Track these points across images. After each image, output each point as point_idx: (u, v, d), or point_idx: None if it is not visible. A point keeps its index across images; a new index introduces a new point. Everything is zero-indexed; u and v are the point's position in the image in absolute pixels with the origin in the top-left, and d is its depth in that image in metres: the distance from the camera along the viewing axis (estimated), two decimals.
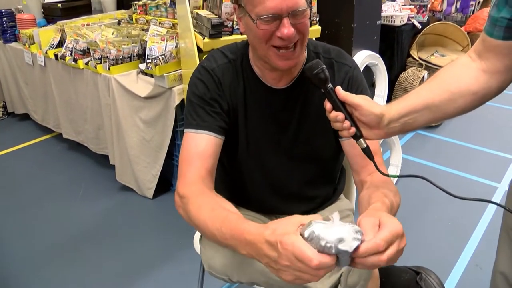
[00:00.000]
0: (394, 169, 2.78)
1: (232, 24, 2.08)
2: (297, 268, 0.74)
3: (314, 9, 2.28)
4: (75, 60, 2.84)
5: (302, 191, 1.29)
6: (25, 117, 3.96)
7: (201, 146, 1.12)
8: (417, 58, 3.83)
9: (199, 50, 2.12)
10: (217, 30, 2.01)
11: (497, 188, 2.77)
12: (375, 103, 0.96)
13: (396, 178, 2.65)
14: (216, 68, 1.19)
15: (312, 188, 1.30)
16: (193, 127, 1.15)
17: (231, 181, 1.31)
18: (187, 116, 1.18)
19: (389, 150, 2.84)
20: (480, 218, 2.46)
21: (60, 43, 3.18)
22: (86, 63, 2.77)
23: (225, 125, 1.17)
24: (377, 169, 1.00)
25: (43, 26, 3.65)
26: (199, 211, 0.99)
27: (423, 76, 3.63)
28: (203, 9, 2.23)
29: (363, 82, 1.23)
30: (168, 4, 3.00)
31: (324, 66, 0.97)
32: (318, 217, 0.77)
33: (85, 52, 2.83)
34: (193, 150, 1.12)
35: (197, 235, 1.46)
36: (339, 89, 0.96)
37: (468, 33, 4.25)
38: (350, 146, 1.18)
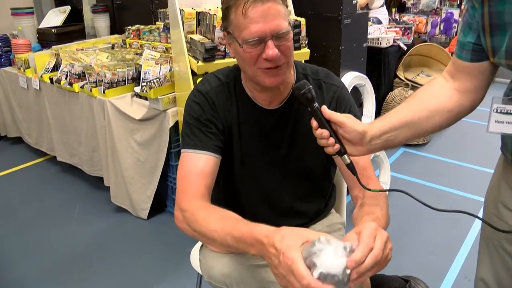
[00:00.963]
0: (383, 187, 2.85)
1: (225, 48, 2.16)
2: (290, 280, 0.83)
3: (303, 33, 2.37)
4: (70, 84, 2.90)
5: (295, 206, 1.35)
6: (18, 140, 3.98)
7: (200, 165, 1.18)
8: (403, 79, 3.95)
9: (193, 73, 2.19)
10: (210, 53, 2.09)
11: (482, 203, 2.83)
12: (358, 121, 1.02)
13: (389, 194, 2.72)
14: (210, 90, 1.26)
15: (304, 203, 1.36)
16: (191, 147, 1.21)
17: (225, 197, 1.36)
18: (184, 137, 1.24)
19: (378, 169, 2.92)
20: (468, 231, 2.53)
21: (55, 67, 3.24)
22: (82, 87, 2.83)
23: (221, 144, 1.23)
24: (360, 183, 1.06)
25: (38, 50, 3.71)
26: (206, 221, 1.05)
27: (410, 95, 3.73)
28: (196, 34, 2.31)
29: (351, 101, 1.30)
30: (161, 29, 3.08)
31: (310, 86, 1.04)
32: (325, 235, 0.85)
33: (81, 76, 2.89)
34: (192, 169, 1.18)
35: (196, 247, 1.50)
36: (324, 108, 1.03)
37: (452, 54, 4.39)
38: (341, 163, 1.24)
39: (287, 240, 0.86)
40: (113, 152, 2.72)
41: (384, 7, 4.64)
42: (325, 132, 1.02)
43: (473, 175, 3.25)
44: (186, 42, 2.21)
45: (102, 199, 2.97)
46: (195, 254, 1.49)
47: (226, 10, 1.15)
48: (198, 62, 2.12)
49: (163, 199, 2.81)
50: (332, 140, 1.02)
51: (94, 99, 2.74)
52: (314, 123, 1.03)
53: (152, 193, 2.67)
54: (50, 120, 3.32)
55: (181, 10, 2.26)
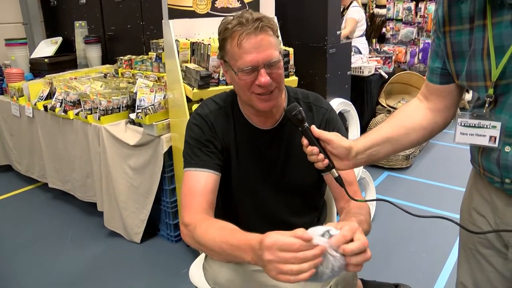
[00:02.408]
0: (369, 207, 2.97)
1: (218, 76, 2.28)
2: (280, 258, 0.88)
3: (291, 61, 2.51)
4: (65, 111, 2.97)
5: (289, 220, 1.44)
6: (7, 168, 4.00)
7: (202, 182, 1.27)
8: (385, 105, 4.12)
9: (188, 99, 2.30)
10: (205, 81, 2.21)
11: None
12: (344, 138, 1.13)
13: (374, 210, 2.86)
14: (209, 114, 1.37)
15: (298, 217, 1.45)
16: (193, 166, 1.30)
17: (224, 211, 1.44)
18: (186, 157, 1.34)
19: (364, 191, 3.03)
20: (455, 240, 2.64)
21: (49, 95, 3.32)
22: (76, 114, 2.91)
23: (220, 163, 1.33)
24: (347, 194, 1.16)
25: (30, 79, 3.79)
26: (207, 231, 1.13)
27: None
28: (190, 63, 2.43)
29: (339, 122, 1.43)
30: (153, 59, 3.20)
31: (301, 108, 1.14)
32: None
33: (75, 104, 2.97)
34: (195, 186, 1.27)
35: (196, 262, 1.57)
36: (313, 128, 1.13)
37: None
38: (331, 179, 1.35)
39: (271, 236, 0.92)
40: (107, 178, 2.78)
41: (364, 37, 4.86)
42: (315, 149, 1.11)
43: (453, 195, 3.39)
44: (181, 71, 2.33)
45: (95, 224, 3.01)
46: (194, 269, 1.55)
47: (222, 41, 1.28)
48: (193, 89, 2.23)
49: (156, 223, 2.86)
50: (321, 156, 1.11)
51: (89, 125, 2.81)
52: (304, 141, 1.13)
53: (146, 217, 2.72)
54: (43, 147, 3.38)
55: (176, 41, 2.38)
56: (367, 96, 4.07)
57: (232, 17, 1.25)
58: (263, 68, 1.21)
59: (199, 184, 1.28)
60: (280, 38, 1.32)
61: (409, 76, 4.42)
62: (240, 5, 2.60)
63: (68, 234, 2.94)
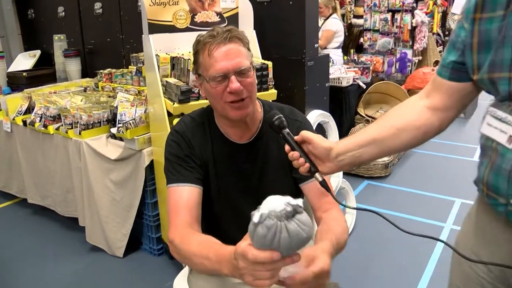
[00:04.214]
0: (349, 217, 3.02)
1: (198, 90, 2.30)
2: (247, 268, 0.89)
3: (270, 75, 2.55)
4: (45, 126, 2.96)
5: None
6: None
7: (185, 197, 1.30)
8: (364, 115, 4.20)
9: (169, 114, 2.32)
10: (186, 95, 2.23)
11: (443, 228, 3.06)
12: (325, 139, 1.12)
13: (351, 220, 2.90)
14: (187, 130, 1.40)
15: None
16: (175, 181, 1.33)
17: (207, 225, 1.46)
18: (167, 173, 1.36)
19: (344, 200, 3.08)
20: (431, 253, 2.71)
21: (28, 110, 3.30)
22: (57, 129, 2.90)
23: (201, 177, 1.36)
24: (333, 198, 1.16)
25: (7, 93, 3.76)
26: (189, 246, 1.15)
27: None
28: (171, 77, 2.45)
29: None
30: (133, 73, 3.22)
31: (281, 115, 1.18)
32: None
33: (56, 118, 2.96)
34: (179, 202, 1.29)
35: (179, 277, 1.58)
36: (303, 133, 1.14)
37: (408, 90, 4.73)
38: (308, 190, 1.39)
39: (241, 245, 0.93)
40: (89, 192, 2.77)
41: (340, 49, 4.94)
42: (295, 154, 1.12)
43: (433, 203, 3.47)
44: (162, 85, 2.35)
45: (77, 239, 2.98)
46: (178, 282, 1.56)
47: (195, 54, 1.34)
48: (174, 103, 2.25)
49: (139, 237, 2.85)
50: (302, 160, 1.11)
51: (70, 140, 2.80)
52: (286, 147, 1.15)
53: (128, 231, 2.72)
54: (22, 162, 3.34)
55: (156, 55, 2.40)
56: (346, 106, 4.14)
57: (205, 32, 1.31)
58: (234, 75, 1.26)
59: (182, 199, 1.30)
60: (256, 52, 1.36)
61: (387, 86, 4.52)
62: (220, 19, 2.64)
63: (49, 250, 2.91)
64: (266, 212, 0.84)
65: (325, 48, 4.70)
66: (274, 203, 0.85)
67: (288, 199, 0.86)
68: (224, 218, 1.45)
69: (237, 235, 1.44)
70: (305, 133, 1.12)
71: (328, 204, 1.33)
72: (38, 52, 4.44)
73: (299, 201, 0.86)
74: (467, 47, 1.00)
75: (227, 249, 1.02)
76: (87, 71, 4.14)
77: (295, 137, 1.14)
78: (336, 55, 4.77)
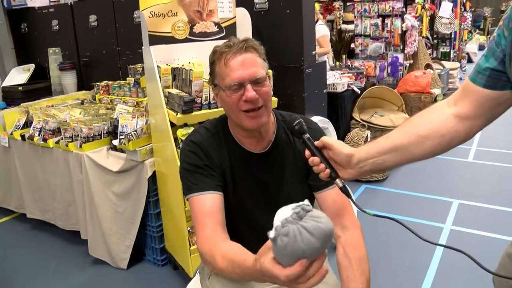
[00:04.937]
0: None
1: (201, 100, 2.32)
2: (287, 283, 0.87)
3: (271, 83, 2.57)
4: (44, 140, 2.95)
5: None
6: None
7: (208, 205, 1.30)
8: (359, 120, 4.24)
9: (172, 124, 2.33)
10: (189, 106, 2.24)
11: (442, 229, 3.10)
12: (346, 145, 1.11)
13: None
14: (203, 141, 1.41)
15: None
16: (196, 191, 1.33)
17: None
18: (187, 183, 1.36)
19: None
20: (431, 257, 2.74)
21: (26, 124, 3.28)
22: (57, 142, 2.89)
23: (221, 184, 1.37)
24: (354, 204, 1.16)
25: (3, 108, 3.74)
26: (216, 262, 1.15)
27: (367, 135, 4.02)
28: (172, 88, 2.47)
29: None
30: (131, 84, 3.22)
31: (301, 119, 1.19)
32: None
33: (55, 132, 2.95)
34: (202, 211, 1.30)
35: (195, 281, 1.59)
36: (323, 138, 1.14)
37: (401, 94, 4.78)
38: (323, 199, 1.40)
39: (259, 256, 0.93)
40: (91, 205, 2.76)
41: (325, 56, 5.01)
42: (316, 159, 1.12)
43: (432, 204, 3.51)
44: (164, 96, 2.36)
45: (79, 253, 2.97)
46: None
47: (212, 65, 1.36)
48: (177, 114, 2.27)
49: (142, 248, 2.85)
50: (322, 166, 1.10)
51: (70, 153, 2.80)
52: (307, 152, 1.15)
53: (132, 242, 2.72)
54: (20, 177, 3.32)
55: (157, 67, 2.41)
56: (342, 111, 4.18)
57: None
58: (249, 84, 1.28)
59: (205, 207, 1.30)
60: (267, 62, 1.38)
61: (380, 90, 4.57)
62: (218, 29, 2.67)
63: (50, 265, 2.89)
64: (279, 223, 0.83)
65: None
66: (283, 213, 0.85)
67: (293, 204, 0.85)
68: (241, 226, 1.46)
69: (251, 243, 1.46)
70: (325, 139, 1.12)
71: (347, 221, 1.35)
72: (32, 66, 4.42)
73: (305, 201, 0.86)
74: (507, 57, 0.96)
75: (250, 263, 1.00)
76: (83, 84, 4.13)
77: (316, 142, 1.13)
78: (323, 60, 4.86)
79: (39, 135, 3.03)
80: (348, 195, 1.14)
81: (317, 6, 4.84)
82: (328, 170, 1.10)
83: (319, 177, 1.13)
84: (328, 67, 4.75)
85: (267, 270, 0.88)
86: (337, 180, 1.11)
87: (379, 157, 1.07)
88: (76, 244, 3.06)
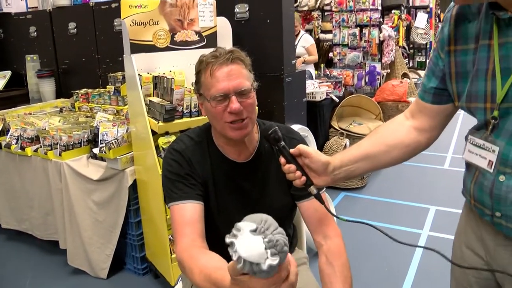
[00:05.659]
0: None
1: (182, 108, 2.33)
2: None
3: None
4: (22, 148, 2.91)
5: None
6: None
7: (187, 214, 1.31)
8: (338, 128, 4.30)
9: (153, 132, 2.33)
10: (170, 114, 2.25)
11: (421, 234, 3.16)
12: (322, 154, 1.16)
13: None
14: (186, 149, 1.42)
15: None
16: (176, 199, 1.34)
17: (208, 241, 1.48)
18: (168, 192, 1.37)
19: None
20: (410, 260, 2.79)
21: (2, 132, 3.23)
22: (35, 150, 2.85)
23: (202, 193, 1.38)
24: (329, 211, 1.19)
25: None
26: (192, 273, 1.15)
27: (345, 143, 4.08)
28: (153, 96, 2.47)
29: None
30: (111, 93, 3.21)
31: (276, 128, 1.19)
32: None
33: (33, 140, 2.91)
34: (181, 220, 1.30)
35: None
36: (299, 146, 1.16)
37: (378, 102, 4.87)
38: (305, 208, 1.43)
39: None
40: (70, 214, 2.73)
41: (312, 64, 5.13)
42: (292, 167, 1.13)
43: (410, 211, 3.59)
44: (145, 104, 2.36)
45: (58, 263, 2.92)
46: None
47: (197, 74, 1.37)
48: (158, 122, 2.27)
49: (122, 257, 2.83)
50: (298, 173, 1.13)
51: (50, 162, 2.76)
52: (282, 159, 1.17)
53: (112, 251, 2.69)
54: None
55: (138, 75, 2.42)
56: (320, 120, 4.23)
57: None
58: (234, 96, 1.29)
59: (185, 217, 1.31)
60: (252, 73, 1.40)
61: (359, 99, 4.65)
62: (199, 38, 2.69)
63: (27, 277, 2.83)
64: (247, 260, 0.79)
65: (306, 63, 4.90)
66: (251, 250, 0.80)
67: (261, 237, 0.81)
68: (223, 235, 1.47)
69: None
70: (302, 147, 1.14)
71: (329, 229, 1.38)
72: (8, 73, 4.34)
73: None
74: (447, 76, 1.08)
75: (228, 284, 0.95)
76: (62, 92, 4.08)
77: (291, 150, 1.15)
78: (312, 68, 4.97)
79: (16, 143, 2.98)
80: (322, 202, 1.17)
81: (296, 16, 4.91)
82: (304, 178, 1.13)
83: (294, 184, 1.16)
84: (313, 75, 4.83)
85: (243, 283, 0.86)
86: (312, 187, 1.14)
87: (352, 165, 1.15)
88: (54, 254, 3.01)
